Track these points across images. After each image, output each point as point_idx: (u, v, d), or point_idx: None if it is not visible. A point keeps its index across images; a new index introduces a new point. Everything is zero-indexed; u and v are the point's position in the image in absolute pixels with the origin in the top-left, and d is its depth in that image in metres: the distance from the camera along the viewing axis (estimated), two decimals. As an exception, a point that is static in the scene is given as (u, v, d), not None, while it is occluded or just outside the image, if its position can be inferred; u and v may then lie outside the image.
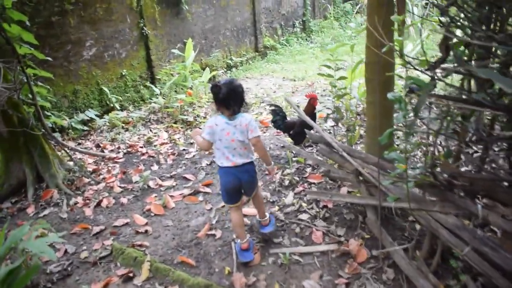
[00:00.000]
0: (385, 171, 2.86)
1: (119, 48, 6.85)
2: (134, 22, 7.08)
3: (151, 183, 4.39)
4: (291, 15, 12.18)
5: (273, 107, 4.89)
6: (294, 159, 4.50)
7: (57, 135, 5.38)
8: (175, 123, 6.17)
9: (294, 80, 8.55)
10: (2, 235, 2.71)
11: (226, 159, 2.88)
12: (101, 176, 4.68)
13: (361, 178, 3.19)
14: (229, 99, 2.77)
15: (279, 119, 4.83)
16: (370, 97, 3.27)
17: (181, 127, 6.03)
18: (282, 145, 5.11)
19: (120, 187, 4.41)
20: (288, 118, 4.92)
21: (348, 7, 14.44)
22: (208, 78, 7.48)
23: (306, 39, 12.36)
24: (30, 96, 4.37)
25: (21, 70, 4.05)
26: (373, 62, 3.13)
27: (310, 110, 4.63)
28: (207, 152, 5.02)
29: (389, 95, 2.20)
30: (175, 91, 7.17)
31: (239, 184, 2.95)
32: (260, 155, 3.01)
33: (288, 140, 4.98)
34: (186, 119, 6.15)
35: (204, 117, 6.44)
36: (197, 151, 5.23)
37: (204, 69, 7.73)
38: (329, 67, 4.11)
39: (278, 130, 5.08)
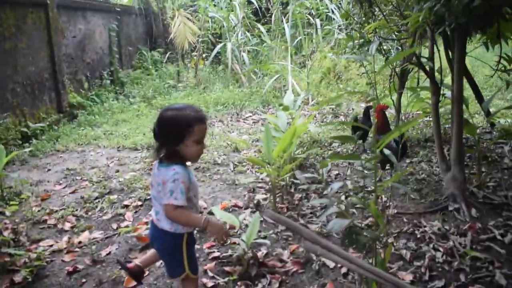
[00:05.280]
0: None
1: None
2: None
3: None
4: (97, 64, 9.58)
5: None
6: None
7: None
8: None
9: (137, 149, 6.12)
10: None
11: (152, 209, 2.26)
12: None
13: None
14: (155, 137, 2.15)
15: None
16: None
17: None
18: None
19: None
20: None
21: (156, 55, 12.60)
22: (4, 163, 4.49)
23: (120, 93, 9.89)
24: None
25: None
26: None
27: (385, 123, 4.29)
28: None
29: None
30: None
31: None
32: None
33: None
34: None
35: (15, 240, 3.53)
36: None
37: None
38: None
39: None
